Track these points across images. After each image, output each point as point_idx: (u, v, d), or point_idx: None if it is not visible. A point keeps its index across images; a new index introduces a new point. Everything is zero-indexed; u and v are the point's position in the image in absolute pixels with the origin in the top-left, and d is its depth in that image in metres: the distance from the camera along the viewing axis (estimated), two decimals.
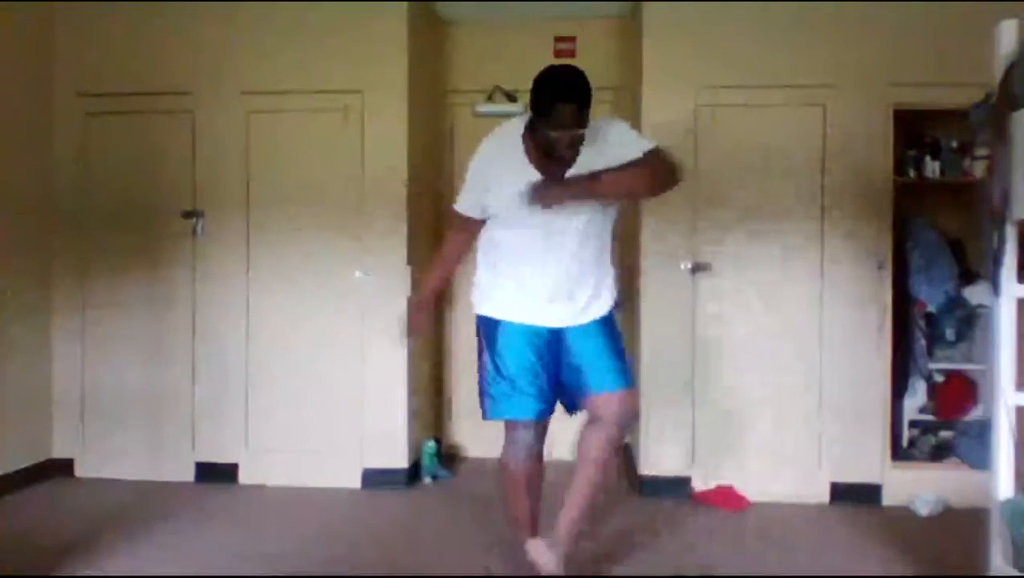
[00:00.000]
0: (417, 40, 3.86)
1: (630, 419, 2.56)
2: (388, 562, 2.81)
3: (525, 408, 2.42)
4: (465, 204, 2.50)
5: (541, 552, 2.51)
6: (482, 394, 2.48)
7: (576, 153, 2.30)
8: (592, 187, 2.25)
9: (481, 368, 2.49)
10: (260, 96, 3.78)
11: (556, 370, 2.48)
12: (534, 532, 2.56)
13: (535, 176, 2.30)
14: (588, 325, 2.47)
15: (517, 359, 2.42)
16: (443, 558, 2.85)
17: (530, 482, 2.51)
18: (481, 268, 2.54)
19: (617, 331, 2.55)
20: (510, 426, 2.46)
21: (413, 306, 2.83)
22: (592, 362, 2.45)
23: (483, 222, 2.49)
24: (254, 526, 3.22)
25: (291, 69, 3.76)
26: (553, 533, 2.52)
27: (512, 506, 2.57)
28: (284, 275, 3.79)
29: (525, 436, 2.45)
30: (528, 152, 2.35)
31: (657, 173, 2.34)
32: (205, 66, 3.80)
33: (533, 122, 2.32)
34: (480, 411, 2.50)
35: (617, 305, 2.57)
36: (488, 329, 2.47)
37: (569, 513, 2.49)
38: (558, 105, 2.25)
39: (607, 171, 2.26)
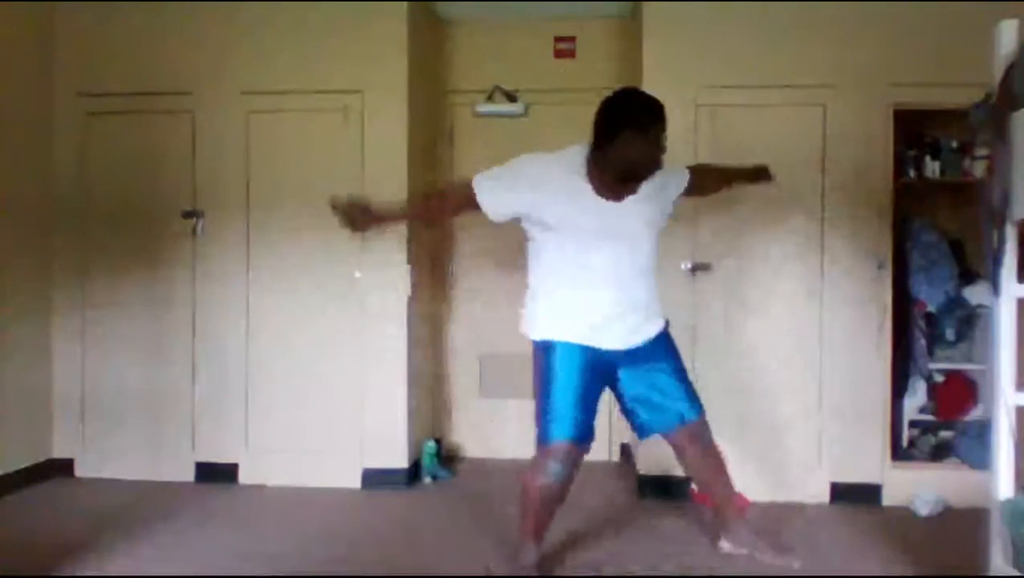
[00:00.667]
0: (417, 40, 3.87)
1: (711, 436, 2.73)
2: (388, 562, 2.81)
3: (579, 431, 2.48)
4: (493, 194, 2.47)
5: None
6: (540, 416, 2.50)
7: (649, 174, 2.46)
8: None
9: (540, 393, 2.51)
10: (260, 96, 3.78)
11: (622, 393, 2.60)
12: (538, 542, 2.64)
13: (594, 201, 2.43)
14: (650, 347, 2.57)
15: (575, 381, 2.47)
16: (443, 558, 2.85)
17: (556, 504, 2.59)
18: (537, 294, 2.57)
19: (676, 347, 2.69)
20: (557, 449, 2.47)
21: (362, 207, 2.70)
22: (665, 390, 2.59)
23: (468, 211, 2.54)
24: (254, 526, 3.22)
25: (291, 69, 3.76)
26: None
27: (531, 521, 2.60)
28: (284, 275, 3.79)
29: (568, 460, 2.50)
30: (590, 178, 2.45)
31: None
32: (205, 66, 3.81)
33: (607, 147, 2.40)
34: (537, 430, 2.54)
35: (667, 322, 2.69)
36: (546, 353, 2.50)
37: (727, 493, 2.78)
38: (660, 124, 2.39)
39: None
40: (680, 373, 2.66)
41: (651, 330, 2.59)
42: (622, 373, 2.58)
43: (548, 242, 2.48)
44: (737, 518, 2.86)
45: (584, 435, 2.50)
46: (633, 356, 2.56)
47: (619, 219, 2.46)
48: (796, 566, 2.71)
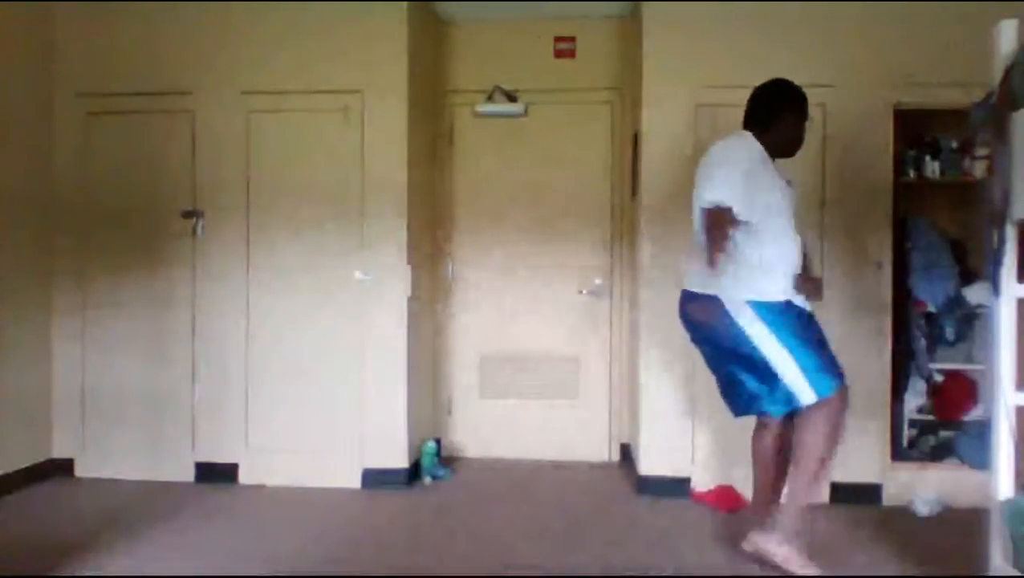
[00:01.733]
0: (417, 40, 3.87)
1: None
2: (388, 562, 2.81)
3: (837, 375, 2.62)
4: (742, 203, 2.53)
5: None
6: (804, 373, 2.54)
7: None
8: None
9: (781, 353, 2.54)
10: (260, 96, 3.78)
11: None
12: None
13: (780, 177, 2.67)
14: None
15: (807, 334, 2.61)
16: (443, 558, 2.85)
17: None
18: (753, 266, 2.58)
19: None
20: (839, 397, 2.59)
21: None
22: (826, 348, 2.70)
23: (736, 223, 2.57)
24: (254, 526, 3.22)
25: (291, 69, 3.76)
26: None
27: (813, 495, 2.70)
28: (284, 275, 3.79)
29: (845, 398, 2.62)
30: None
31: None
32: (205, 66, 3.81)
33: (771, 128, 2.68)
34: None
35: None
36: (780, 311, 2.57)
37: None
38: (802, 107, 2.72)
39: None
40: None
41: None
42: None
43: (761, 221, 2.58)
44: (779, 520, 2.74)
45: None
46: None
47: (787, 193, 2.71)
48: (814, 573, 2.63)
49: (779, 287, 2.60)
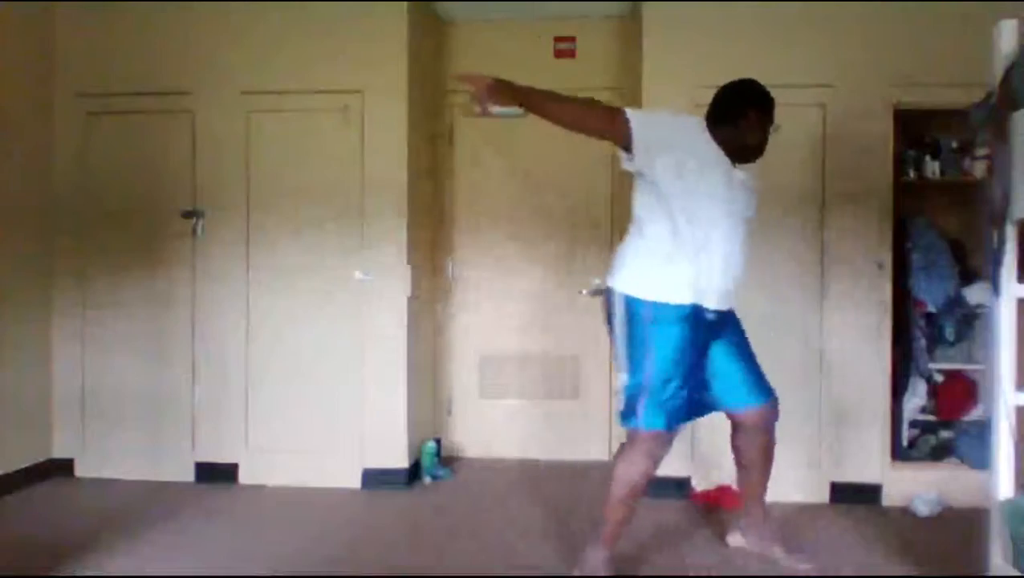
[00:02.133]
0: (417, 40, 3.86)
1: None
2: (388, 562, 2.81)
3: (682, 414, 2.48)
4: (639, 123, 2.36)
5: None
6: (639, 396, 2.41)
7: (760, 150, 2.56)
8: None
9: (641, 367, 2.41)
10: (260, 96, 3.78)
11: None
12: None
13: (729, 168, 2.47)
14: (733, 316, 2.59)
15: (681, 354, 2.41)
16: (443, 558, 2.85)
17: None
18: (652, 257, 2.44)
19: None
20: (666, 436, 2.46)
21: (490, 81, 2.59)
22: (748, 367, 2.59)
23: (618, 134, 2.38)
24: (254, 526, 3.22)
25: (291, 69, 3.76)
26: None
27: (627, 517, 2.57)
28: (284, 275, 3.79)
29: (668, 447, 2.50)
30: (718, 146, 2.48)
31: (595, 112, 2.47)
32: (205, 66, 3.81)
33: (729, 123, 2.50)
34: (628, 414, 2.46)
35: None
36: (655, 315, 2.40)
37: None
38: (768, 112, 2.54)
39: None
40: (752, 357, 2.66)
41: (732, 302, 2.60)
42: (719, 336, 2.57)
43: (676, 197, 2.39)
44: (761, 515, 2.81)
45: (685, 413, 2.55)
46: (728, 323, 2.60)
47: (735, 193, 2.49)
48: (804, 568, 2.70)
49: (683, 283, 2.40)
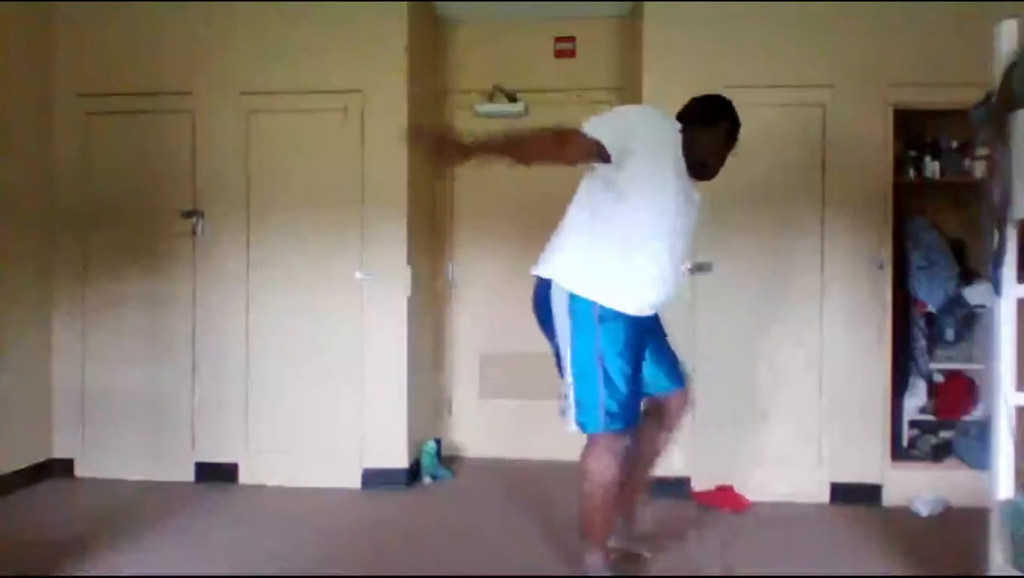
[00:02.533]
0: (417, 40, 3.86)
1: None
2: (388, 562, 2.81)
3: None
4: (606, 134, 2.27)
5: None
6: (597, 399, 2.35)
7: (718, 163, 2.51)
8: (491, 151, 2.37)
9: (593, 368, 2.34)
10: (260, 96, 3.78)
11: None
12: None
13: (688, 184, 2.44)
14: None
15: (635, 359, 2.40)
16: (443, 558, 2.85)
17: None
18: (607, 253, 2.35)
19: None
20: (628, 433, 2.44)
21: (443, 134, 2.54)
22: (671, 354, 2.63)
23: (592, 159, 2.34)
24: (254, 526, 3.22)
25: (291, 69, 3.76)
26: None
27: (609, 514, 2.52)
28: (284, 275, 3.79)
29: (628, 440, 2.48)
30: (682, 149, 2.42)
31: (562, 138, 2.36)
32: (205, 66, 3.80)
33: (704, 127, 2.46)
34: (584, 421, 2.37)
35: None
36: (609, 322, 2.34)
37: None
38: (737, 132, 2.52)
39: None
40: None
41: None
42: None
43: (631, 195, 2.33)
44: (640, 505, 2.85)
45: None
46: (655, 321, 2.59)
47: (691, 208, 2.47)
48: (647, 556, 2.75)
49: (633, 293, 2.35)
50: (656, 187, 2.33)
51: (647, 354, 2.50)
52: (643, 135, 2.33)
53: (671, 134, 2.41)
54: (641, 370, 2.45)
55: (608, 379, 2.33)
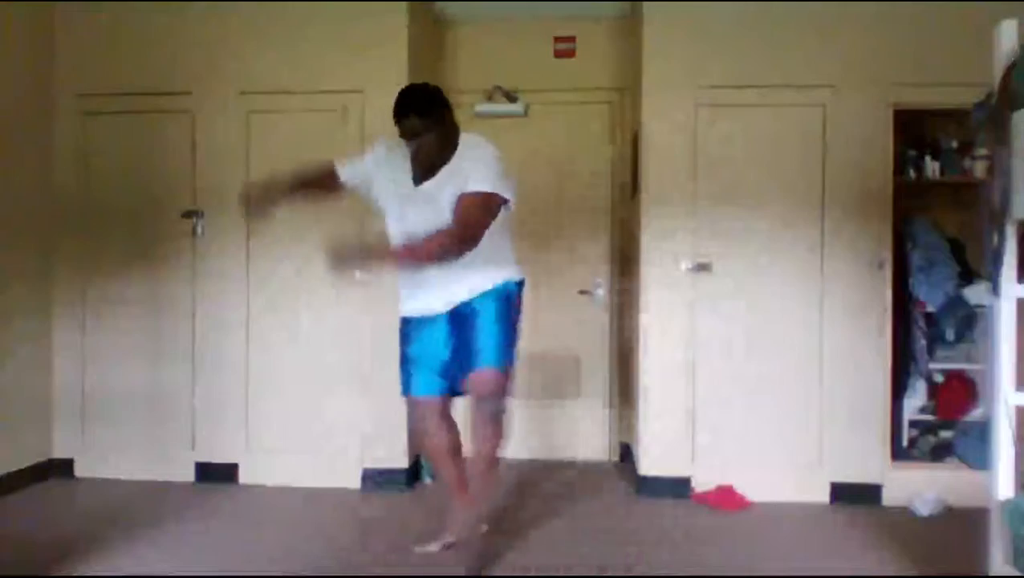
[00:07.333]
0: (417, 40, 3.86)
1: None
2: (388, 562, 2.81)
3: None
4: (350, 168, 2.86)
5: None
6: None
7: (427, 157, 2.65)
8: (390, 258, 2.77)
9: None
10: (260, 96, 3.78)
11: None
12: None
13: (409, 180, 2.70)
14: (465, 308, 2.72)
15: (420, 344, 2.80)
16: (443, 558, 2.85)
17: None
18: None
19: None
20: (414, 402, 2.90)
21: (263, 188, 2.92)
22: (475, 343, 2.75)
23: (335, 183, 2.87)
24: (254, 526, 3.22)
25: (291, 69, 3.76)
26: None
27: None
28: (284, 275, 3.79)
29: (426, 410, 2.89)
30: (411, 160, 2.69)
31: (451, 233, 2.55)
32: (205, 66, 3.81)
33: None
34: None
35: None
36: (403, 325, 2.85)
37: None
38: (401, 120, 2.63)
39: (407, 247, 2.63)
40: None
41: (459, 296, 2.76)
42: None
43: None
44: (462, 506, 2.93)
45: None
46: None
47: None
48: (432, 549, 2.87)
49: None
50: (387, 206, 2.84)
51: (453, 342, 2.75)
52: (377, 164, 2.90)
53: (399, 158, 2.82)
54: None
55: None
